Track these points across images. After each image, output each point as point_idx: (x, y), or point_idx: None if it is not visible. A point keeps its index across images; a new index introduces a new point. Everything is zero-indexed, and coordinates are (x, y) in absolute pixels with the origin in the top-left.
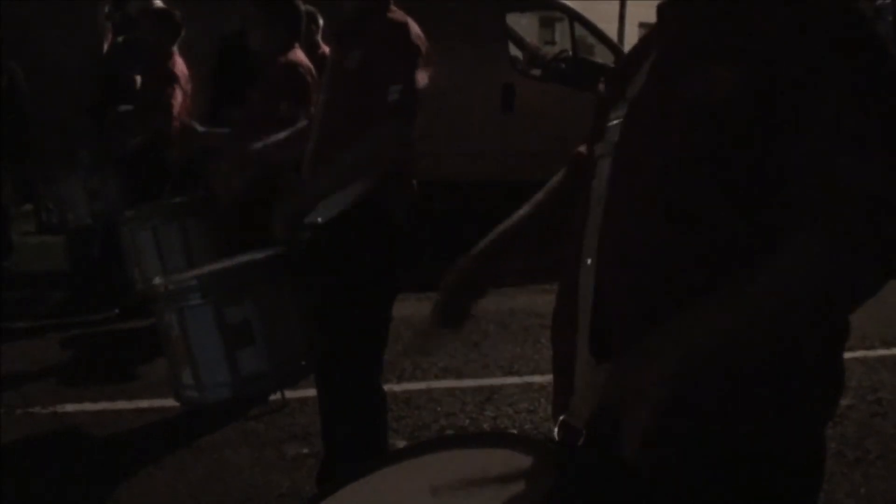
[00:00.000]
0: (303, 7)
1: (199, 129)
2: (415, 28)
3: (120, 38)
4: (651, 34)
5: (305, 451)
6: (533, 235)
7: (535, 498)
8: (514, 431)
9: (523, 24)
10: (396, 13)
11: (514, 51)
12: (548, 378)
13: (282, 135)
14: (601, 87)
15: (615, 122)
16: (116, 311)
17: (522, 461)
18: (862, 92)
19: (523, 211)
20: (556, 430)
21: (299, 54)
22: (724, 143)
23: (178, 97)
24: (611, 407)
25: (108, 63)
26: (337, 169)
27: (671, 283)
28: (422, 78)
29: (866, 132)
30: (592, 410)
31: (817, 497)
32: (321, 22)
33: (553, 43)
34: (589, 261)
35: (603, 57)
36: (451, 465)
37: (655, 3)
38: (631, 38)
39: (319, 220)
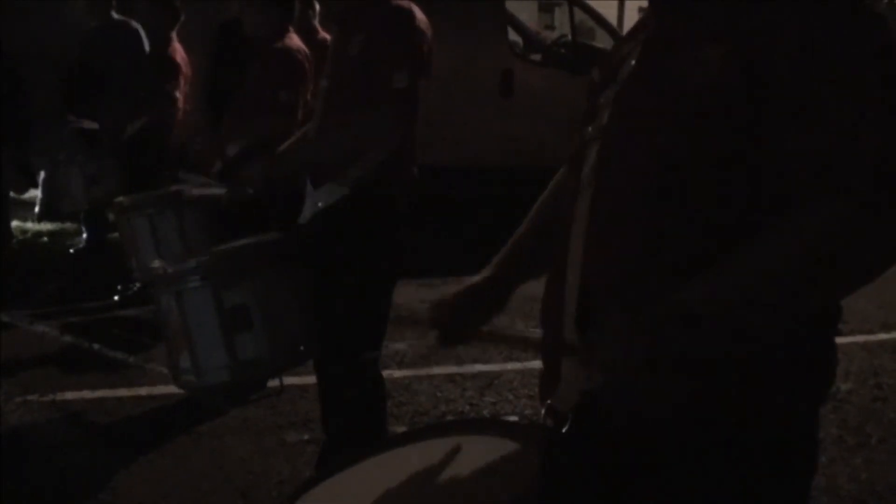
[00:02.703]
0: None
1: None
2: (419, 14)
3: (93, 24)
4: (644, 19)
5: (306, 437)
6: (541, 249)
7: (524, 482)
8: (515, 417)
9: (523, 8)
10: None
11: (514, 35)
12: None
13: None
14: (594, 70)
15: (605, 104)
16: (115, 298)
17: (512, 446)
18: (861, 64)
19: (528, 223)
20: (543, 414)
21: (295, 39)
22: (713, 121)
23: (176, 83)
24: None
25: (82, 48)
26: (332, 141)
27: (660, 263)
28: (427, 65)
29: (873, 104)
30: (579, 395)
31: (811, 480)
32: (318, 7)
33: (552, 28)
34: (577, 243)
35: (603, 42)
36: (443, 452)
37: None
38: (631, 23)
39: (320, 204)
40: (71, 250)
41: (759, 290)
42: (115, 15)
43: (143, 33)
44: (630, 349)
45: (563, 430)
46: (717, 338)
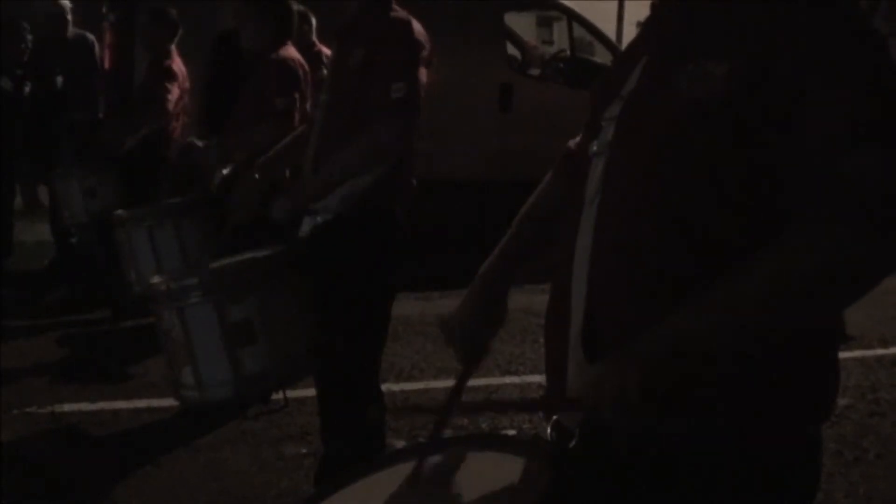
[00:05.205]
0: (294, 4)
1: (199, 143)
2: (417, 27)
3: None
4: (645, 32)
5: (304, 450)
6: (532, 249)
7: (527, 497)
8: (513, 432)
9: (521, 23)
10: (399, 12)
11: (512, 50)
12: None
13: (280, 147)
14: (597, 86)
15: (610, 119)
16: (113, 310)
17: (516, 463)
18: (859, 87)
19: (517, 226)
20: (548, 429)
21: (291, 51)
22: (717, 138)
23: (175, 95)
24: (593, 405)
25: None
26: (337, 165)
27: (664, 281)
28: (423, 75)
29: (871, 127)
30: (585, 411)
31: (814, 496)
32: (314, 21)
33: (551, 42)
34: (582, 260)
35: (601, 56)
36: (447, 468)
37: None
38: (629, 38)
39: (319, 219)
40: (46, 262)
41: (747, 315)
42: (71, 28)
43: (96, 46)
44: (624, 388)
45: (570, 446)
46: (706, 363)
